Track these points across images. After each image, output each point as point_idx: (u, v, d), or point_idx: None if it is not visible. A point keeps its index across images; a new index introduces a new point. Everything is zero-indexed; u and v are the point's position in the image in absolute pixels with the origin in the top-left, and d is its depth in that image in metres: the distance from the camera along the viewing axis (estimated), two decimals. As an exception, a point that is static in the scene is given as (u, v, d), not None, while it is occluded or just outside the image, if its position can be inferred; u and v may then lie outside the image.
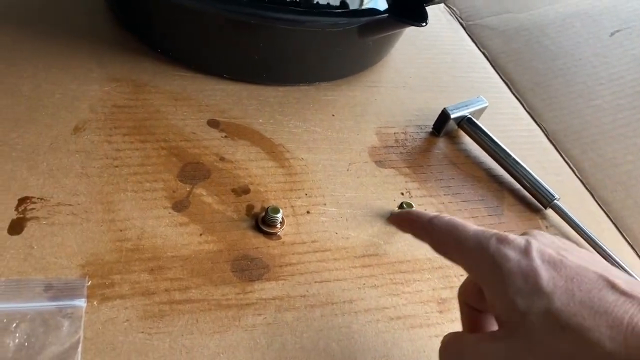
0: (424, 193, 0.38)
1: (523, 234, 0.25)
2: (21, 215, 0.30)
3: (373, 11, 0.37)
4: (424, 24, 0.37)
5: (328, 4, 0.42)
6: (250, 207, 0.34)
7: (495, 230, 0.24)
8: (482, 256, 0.23)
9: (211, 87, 0.41)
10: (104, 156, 0.34)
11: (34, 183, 0.32)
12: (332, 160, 0.38)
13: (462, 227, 0.25)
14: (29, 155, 0.33)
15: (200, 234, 0.32)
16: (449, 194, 0.38)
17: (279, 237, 0.33)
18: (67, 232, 0.30)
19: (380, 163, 0.39)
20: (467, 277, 0.27)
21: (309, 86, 0.43)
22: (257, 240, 0.32)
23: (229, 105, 0.40)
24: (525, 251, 0.23)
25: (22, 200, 0.31)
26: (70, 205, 0.31)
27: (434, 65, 0.49)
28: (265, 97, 0.41)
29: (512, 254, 0.23)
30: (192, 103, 0.39)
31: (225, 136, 0.38)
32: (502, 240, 0.23)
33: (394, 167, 0.39)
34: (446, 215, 0.26)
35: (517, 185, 0.40)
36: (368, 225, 0.35)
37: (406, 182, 0.38)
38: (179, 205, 0.33)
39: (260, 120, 0.40)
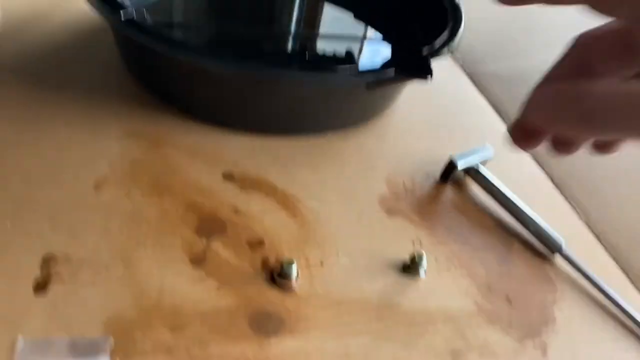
0: (434, 242, 0.39)
1: None
2: (45, 274, 0.31)
3: (379, 68, 0.39)
4: (430, 78, 0.38)
5: (336, 61, 0.44)
6: (265, 260, 0.35)
7: None
8: None
9: (225, 140, 0.42)
10: (124, 212, 0.35)
11: (57, 241, 0.33)
12: (344, 210, 0.39)
13: None
14: (52, 214, 0.34)
15: (218, 289, 0.33)
16: (458, 242, 0.39)
17: (294, 290, 0.34)
18: (89, 290, 0.31)
19: (390, 212, 0.40)
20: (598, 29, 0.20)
21: (320, 136, 0.45)
22: (272, 294, 0.33)
23: (243, 157, 0.41)
24: None
25: (46, 259, 0.32)
26: (92, 262, 0.32)
27: (439, 112, 0.50)
28: (277, 148, 0.43)
29: None
30: (208, 157, 0.41)
31: (240, 189, 0.39)
32: None
33: (403, 216, 0.40)
34: None
35: (525, 233, 0.41)
36: (381, 275, 0.36)
37: (416, 231, 0.39)
38: (197, 260, 0.34)
39: (273, 172, 0.41)
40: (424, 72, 0.38)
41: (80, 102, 0.42)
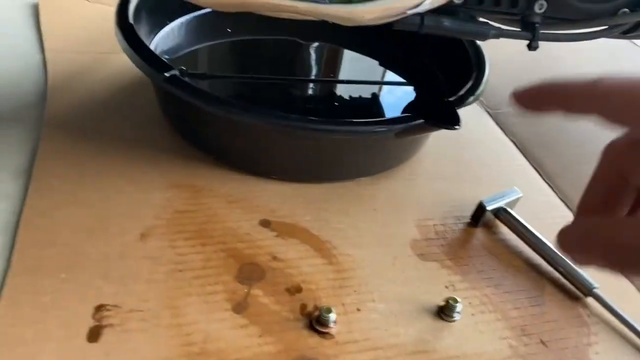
0: (467, 285, 0.39)
1: None
2: (98, 323, 0.33)
3: (409, 118, 0.41)
4: (458, 127, 0.40)
5: (364, 109, 0.46)
6: (303, 307, 0.36)
7: None
8: None
9: (261, 188, 0.44)
10: (169, 261, 0.37)
11: (108, 291, 0.35)
12: (377, 255, 0.41)
13: None
14: (102, 264, 0.36)
15: (260, 336, 0.34)
16: (490, 286, 0.40)
17: (333, 336, 0.35)
18: (139, 338, 0.33)
19: (422, 256, 0.41)
20: (623, 138, 0.22)
21: (351, 182, 0.46)
22: (312, 340, 0.34)
23: (278, 204, 0.43)
24: None
25: (98, 308, 0.34)
26: (141, 311, 0.34)
27: (467, 155, 0.52)
28: (310, 195, 0.45)
29: None
30: (245, 204, 0.42)
31: (277, 235, 0.41)
32: None
33: (436, 260, 0.41)
34: (609, 75, 0.21)
35: (557, 274, 0.42)
36: (416, 321, 0.37)
37: (449, 275, 0.40)
38: (239, 307, 0.35)
39: (307, 218, 0.43)
40: (453, 122, 0.39)
41: (124, 155, 0.44)
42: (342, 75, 0.59)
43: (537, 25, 0.35)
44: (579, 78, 0.22)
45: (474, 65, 0.48)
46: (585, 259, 0.22)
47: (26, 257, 0.35)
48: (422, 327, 0.36)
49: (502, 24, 0.38)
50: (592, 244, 0.21)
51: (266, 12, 0.33)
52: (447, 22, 0.34)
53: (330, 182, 0.46)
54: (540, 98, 0.23)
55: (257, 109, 0.39)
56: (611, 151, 0.23)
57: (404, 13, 0.33)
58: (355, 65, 0.61)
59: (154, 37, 0.52)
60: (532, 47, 0.36)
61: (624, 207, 0.23)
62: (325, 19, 0.32)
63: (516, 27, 0.38)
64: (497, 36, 0.36)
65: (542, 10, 0.36)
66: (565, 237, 0.22)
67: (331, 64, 0.61)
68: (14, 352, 0.31)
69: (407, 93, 0.56)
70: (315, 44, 0.60)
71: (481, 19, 0.37)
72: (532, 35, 0.35)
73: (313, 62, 0.60)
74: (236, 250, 0.39)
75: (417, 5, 0.33)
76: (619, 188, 0.23)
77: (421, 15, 0.34)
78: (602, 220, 0.22)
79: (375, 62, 0.59)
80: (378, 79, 0.59)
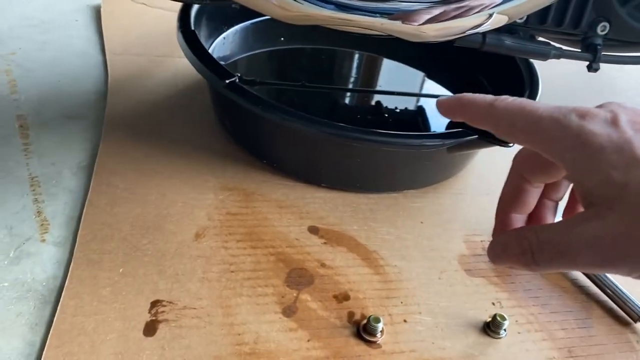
0: (514, 303, 0.39)
1: (600, 106, 0.24)
2: (154, 318, 0.34)
3: (463, 133, 0.41)
4: (511, 144, 0.40)
5: (414, 123, 0.47)
6: (351, 314, 0.37)
7: (571, 106, 0.23)
8: (563, 135, 0.22)
9: (310, 195, 0.45)
10: (222, 261, 0.38)
11: (163, 287, 0.36)
12: (424, 268, 0.41)
13: (531, 106, 0.24)
14: (158, 261, 0.37)
15: (308, 340, 0.35)
16: (537, 305, 0.40)
17: (379, 346, 0.35)
18: (193, 334, 0.34)
19: (470, 272, 0.41)
20: (523, 149, 0.28)
21: (398, 194, 0.47)
22: (359, 348, 0.35)
23: (327, 212, 0.44)
24: (614, 123, 0.22)
25: (154, 304, 0.35)
26: (194, 308, 0.35)
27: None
28: (358, 204, 0.45)
29: (599, 129, 0.22)
30: (294, 210, 0.43)
31: (325, 242, 0.41)
32: (583, 115, 0.22)
33: (483, 276, 0.41)
34: (508, 97, 0.25)
35: (604, 297, 0.41)
36: (463, 335, 0.37)
37: (496, 291, 0.40)
38: (288, 311, 0.36)
39: (355, 227, 0.43)
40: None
41: (182, 158, 0.46)
42: (382, 86, 0.59)
43: (599, 47, 0.35)
44: (484, 96, 0.26)
45: (527, 83, 0.48)
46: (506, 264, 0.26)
47: (87, 250, 0.37)
48: (468, 342, 0.36)
49: (561, 44, 0.39)
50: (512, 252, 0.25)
51: (332, 26, 0.34)
52: (508, 41, 0.35)
53: (378, 192, 0.46)
54: (453, 108, 0.27)
55: (313, 119, 0.40)
56: (516, 160, 0.28)
57: (464, 32, 0.34)
58: (395, 76, 0.61)
59: (212, 42, 0.54)
60: (592, 68, 0.36)
61: (530, 203, 0.28)
62: (391, 34, 0.32)
63: (576, 48, 0.38)
64: (557, 56, 0.36)
65: (605, 32, 0.36)
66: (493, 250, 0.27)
67: (373, 74, 0.62)
68: (75, 340, 0.32)
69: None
70: (358, 54, 0.61)
71: (541, 39, 0.37)
72: (593, 57, 0.35)
73: (357, 72, 0.61)
74: (285, 254, 0.40)
75: (479, 26, 0.33)
76: (525, 188, 0.28)
77: (483, 33, 0.34)
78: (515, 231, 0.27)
79: (418, 73, 0.60)
80: (417, 90, 0.59)
